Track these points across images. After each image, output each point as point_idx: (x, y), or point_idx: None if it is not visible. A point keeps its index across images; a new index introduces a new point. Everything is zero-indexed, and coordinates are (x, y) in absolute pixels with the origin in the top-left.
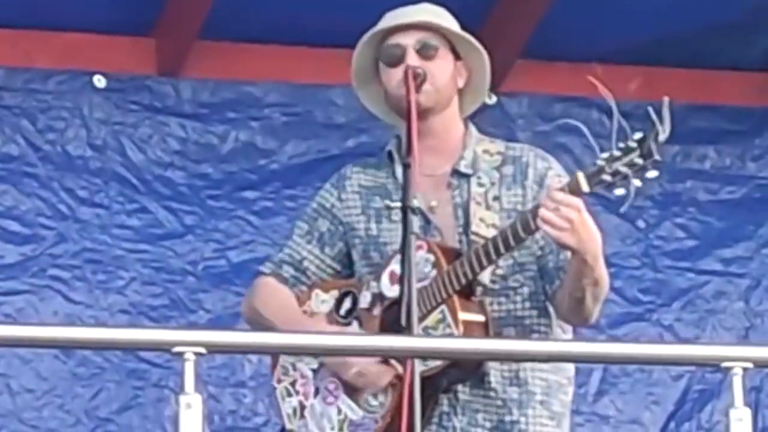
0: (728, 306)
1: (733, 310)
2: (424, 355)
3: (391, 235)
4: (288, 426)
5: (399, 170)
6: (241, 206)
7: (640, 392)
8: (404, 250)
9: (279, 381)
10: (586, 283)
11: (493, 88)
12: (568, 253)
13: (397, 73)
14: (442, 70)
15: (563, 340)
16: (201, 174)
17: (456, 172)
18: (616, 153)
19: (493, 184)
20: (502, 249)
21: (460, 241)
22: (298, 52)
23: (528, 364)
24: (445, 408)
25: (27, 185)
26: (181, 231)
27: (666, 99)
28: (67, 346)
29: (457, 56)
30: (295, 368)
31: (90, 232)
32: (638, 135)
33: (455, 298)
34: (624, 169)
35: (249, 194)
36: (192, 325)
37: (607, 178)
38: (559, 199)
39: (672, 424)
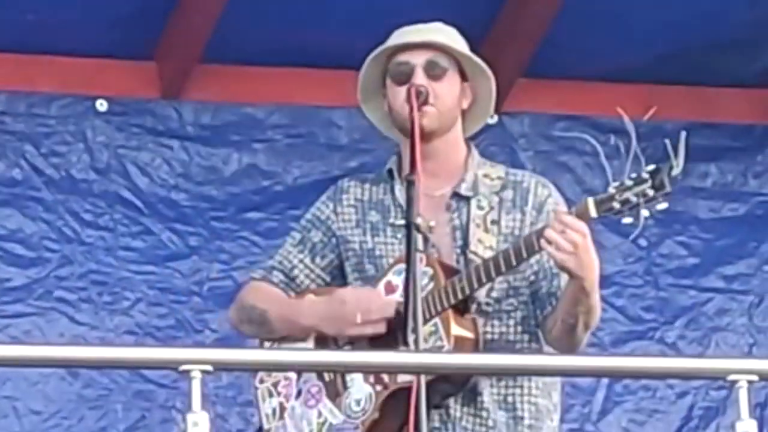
0: (731, 323)
1: (736, 327)
2: (432, 371)
3: (387, 249)
4: (266, 426)
5: (398, 187)
6: (246, 227)
7: (644, 410)
8: (408, 267)
9: (262, 381)
10: (581, 310)
11: (495, 107)
12: (562, 281)
13: (403, 91)
14: (448, 91)
15: (571, 355)
16: (205, 196)
17: (456, 195)
18: (628, 182)
19: (492, 207)
20: (503, 267)
21: (458, 261)
22: (299, 74)
23: (518, 389)
24: (437, 423)
25: (32, 209)
26: (186, 252)
27: (684, 134)
28: (74, 366)
29: (463, 77)
30: None
31: (95, 254)
32: (651, 166)
33: (450, 312)
34: (634, 199)
35: (253, 215)
36: (198, 344)
37: (616, 205)
38: (567, 221)
39: None
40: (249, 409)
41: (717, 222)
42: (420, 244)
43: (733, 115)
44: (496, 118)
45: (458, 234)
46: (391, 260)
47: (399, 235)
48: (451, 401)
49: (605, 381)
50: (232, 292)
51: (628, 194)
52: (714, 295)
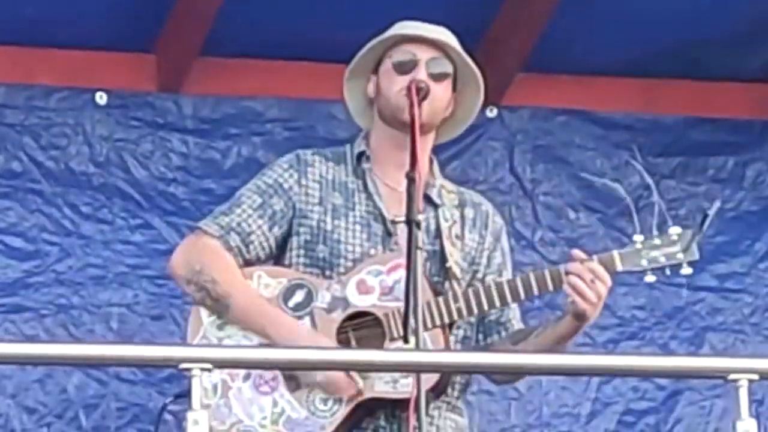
0: (724, 322)
1: (729, 327)
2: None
3: (347, 236)
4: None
5: (368, 174)
6: None
7: (634, 412)
8: (409, 264)
9: None
10: (563, 344)
11: (494, 101)
12: (511, 312)
13: (402, 81)
14: (443, 94)
15: (567, 353)
16: (204, 189)
17: (427, 198)
18: (656, 240)
19: (455, 221)
20: (522, 295)
21: (429, 266)
22: (299, 68)
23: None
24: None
25: (30, 202)
26: None
27: (717, 204)
28: (73, 363)
29: (453, 88)
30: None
31: (93, 248)
32: (678, 229)
33: (438, 330)
34: (663, 260)
35: None
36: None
37: (644, 263)
38: (598, 273)
39: None
40: None
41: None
42: (420, 242)
43: (732, 109)
44: (495, 112)
45: (428, 237)
46: (349, 247)
47: (363, 225)
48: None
49: (594, 382)
50: None
51: (655, 253)
52: (707, 294)
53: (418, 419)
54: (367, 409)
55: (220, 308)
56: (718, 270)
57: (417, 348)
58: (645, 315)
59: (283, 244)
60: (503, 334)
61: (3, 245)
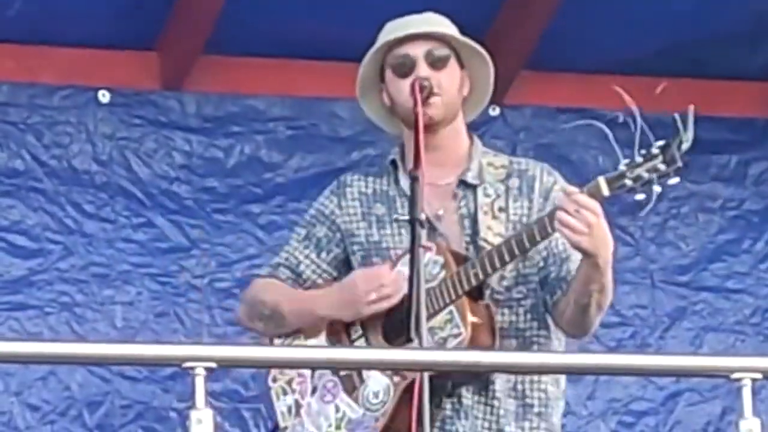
0: (724, 322)
1: (729, 327)
2: (441, 368)
3: (394, 241)
4: (282, 424)
5: (403, 179)
6: (247, 220)
7: (633, 413)
8: (412, 263)
9: (275, 380)
10: (594, 288)
11: (497, 100)
12: (572, 265)
13: (407, 83)
14: (451, 79)
15: (572, 353)
16: (206, 188)
17: (462, 183)
18: (639, 159)
19: (498, 195)
20: (516, 251)
21: (467, 249)
22: (301, 66)
23: (527, 377)
24: (449, 412)
25: (33, 200)
26: (187, 245)
27: (692, 107)
28: (75, 362)
29: (461, 65)
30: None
31: (96, 246)
32: (661, 142)
33: (465, 300)
34: (646, 175)
35: (254, 208)
36: (201, 340)
37: (628, 182)
38: (581, 201)
39: None
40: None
41: (714, 217)
42: (424, 240)
43: (735, 108)
44: (498, 111)
45: (467, 222)
46: (399, 252)
47: (407, 229)
48: (463, 390)
49: (593, 381)
50: (233, 285)
51: (639, 171)
52: (707, 294)
53: (420, 413)
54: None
55: (279, 320)
56: (719, 270)
57: (420, 346)
58: (646, 314)
59: (345, 267)
60: (565, 288)
61: (6, 243)
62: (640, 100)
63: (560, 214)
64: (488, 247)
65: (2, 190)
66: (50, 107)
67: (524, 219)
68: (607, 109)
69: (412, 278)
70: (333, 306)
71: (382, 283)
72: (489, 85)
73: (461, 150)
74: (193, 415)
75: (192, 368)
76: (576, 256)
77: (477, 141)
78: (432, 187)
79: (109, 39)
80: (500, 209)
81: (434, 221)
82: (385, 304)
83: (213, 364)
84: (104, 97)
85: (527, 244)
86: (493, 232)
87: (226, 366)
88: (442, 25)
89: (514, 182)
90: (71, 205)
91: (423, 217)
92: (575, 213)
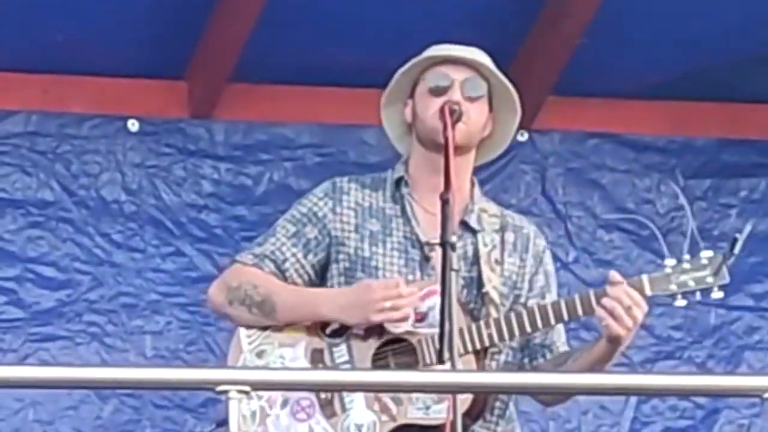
0: (761, 341)
1: (765, 345)
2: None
3: (385, 262)
4: (241, 428)
5: (407, 199)
6: None
7: (672, 430)
8: (444, 286)
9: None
10: (600, 366)
11: (525, 125)
12: (557, 334)
13: (437, 103)
14: (479, 114)
15: (605, 373)
16: (235, 216)
17: (464, 224)
18: (686, 265)
19: (494, 246)
20: (552, 321)
21: (467, 292)
22: (329, 93)
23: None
24: None
25: (62, 230)
26: (216, 274)
27: (749, 227)
28: (111, 387)
29: (490, 108)
30: None
31: (125, 276)
32: (709, 253)
33: (471, 356)
34: (692, 284)
35: None
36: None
37: (672, 287)
38: (635, 298)
39: None
40: None
41: (746, 239)
42: (455, 263)
43: (763, 131)
44: (526, 136)
45: (465, 264)
46: (387, 274)
47: (400, 251)
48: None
49: (633, 402)
50: None
51: (685, 277)
52: (743, 314)
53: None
54: None
55: (267, 309)
56: (754, 290)
57: (453, 369)
58: (681, 335)
59: (321, 272)
60: (548, 356)
61: (35, 275)
62: (667, 126)
63: (611, 304)
64: (494, 300)
65: (31, 221)
66: (79, 136)
67: (514, 277)
68: (635, 134)
69: (444, 302)
70: (340, 306)
71: (401, 294)
72: (508, 136)
73: (465, 187)
74: None
75: (226, 392)
76: (561, 327)
77: (477, 185)
78: (432, 216)
79: (138, 68)
80: (496, 261)
81: (427, 251)
82: (396, 317)
83: (247, 388)
84: (133, 126)
85: (565, 317)
86: (492, 283)
87: (259, 389)
88: (488, 61)
89: (510, 236)
90: (100, 235)
91: (454, 240)
92: (627, 309)
